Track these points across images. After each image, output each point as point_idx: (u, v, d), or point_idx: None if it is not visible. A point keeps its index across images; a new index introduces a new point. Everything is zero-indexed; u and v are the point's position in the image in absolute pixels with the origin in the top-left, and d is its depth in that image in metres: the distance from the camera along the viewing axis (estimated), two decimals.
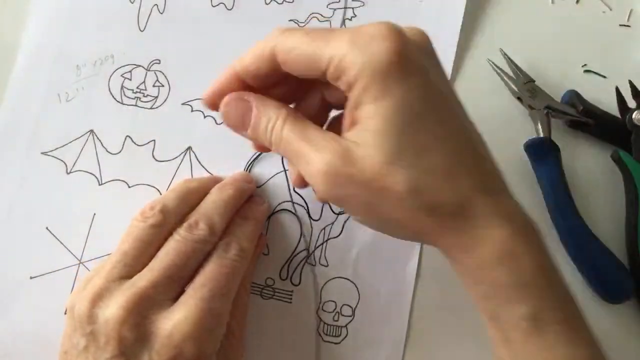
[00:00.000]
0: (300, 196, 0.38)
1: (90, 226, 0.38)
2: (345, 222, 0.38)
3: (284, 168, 0.39)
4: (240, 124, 0.31)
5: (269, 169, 0.39)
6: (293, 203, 0.38)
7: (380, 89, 0.26)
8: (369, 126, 0.27)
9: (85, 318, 0.29)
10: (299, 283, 0.37)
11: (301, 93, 0.33)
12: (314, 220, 0.38)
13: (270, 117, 0.29)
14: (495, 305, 0.28)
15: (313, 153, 0.27)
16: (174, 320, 0.29)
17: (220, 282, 0.31)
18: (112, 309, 0.29)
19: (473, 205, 0.27)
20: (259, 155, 0.39)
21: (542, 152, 0.39)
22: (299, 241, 0.38)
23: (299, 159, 0.28)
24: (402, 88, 0.26)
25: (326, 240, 0.38)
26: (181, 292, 0.31)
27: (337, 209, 0.38)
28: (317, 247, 0.38)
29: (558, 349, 0.28)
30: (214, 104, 0.31)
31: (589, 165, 0.40)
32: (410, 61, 0.26)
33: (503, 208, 0.27)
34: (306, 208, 0.38)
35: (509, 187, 0.29)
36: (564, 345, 0.28)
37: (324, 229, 0.38)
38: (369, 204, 0.28)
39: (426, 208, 0.27)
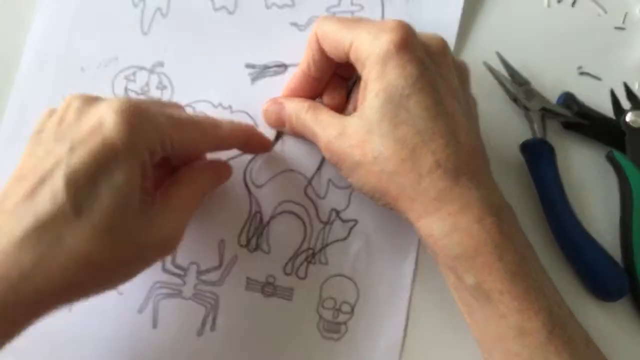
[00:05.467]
0: (308, 197, 0.39)
1: None
2: (351, 228, 0.39)
3: (294, 168, 0.39)
4: (279, 122, 0.38)
5: (268, 169, 0.39)
6: (295, 203, 0.39)
7: (380, 71, 0.31)
8: (366, 102, 0.32)
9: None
10: (305, 277, 0.38)
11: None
12: (320, 221, 0.39)
13: (298, 110, 0.36)
14: (454, 276, 0.32)
15: (321, 132, 0.34)
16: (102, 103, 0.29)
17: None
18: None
19: (428, 182, 0.31)
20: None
21: (537, 152, 0.39)
22: (303, 241, 0.38)
23: (314, 138, 0.35)
24: (396, 72, 0.31)
25: (327, 244, 0.38)
26: None
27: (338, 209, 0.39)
28: (320, 249, 0.38)
29: (509, 318, 0.30)
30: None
31: (584, 166, 0.41)
32: (410, 53, 0.31)
33: (458, 190, 0.31)
34: (314, 208, 0.39)
35: (484, 179, 0.32)
36: (514, 314, 0.30)
37: (324, 228, 0.39)
38: (354, 168, 0.33)
39: (388, 173, 0.31)
